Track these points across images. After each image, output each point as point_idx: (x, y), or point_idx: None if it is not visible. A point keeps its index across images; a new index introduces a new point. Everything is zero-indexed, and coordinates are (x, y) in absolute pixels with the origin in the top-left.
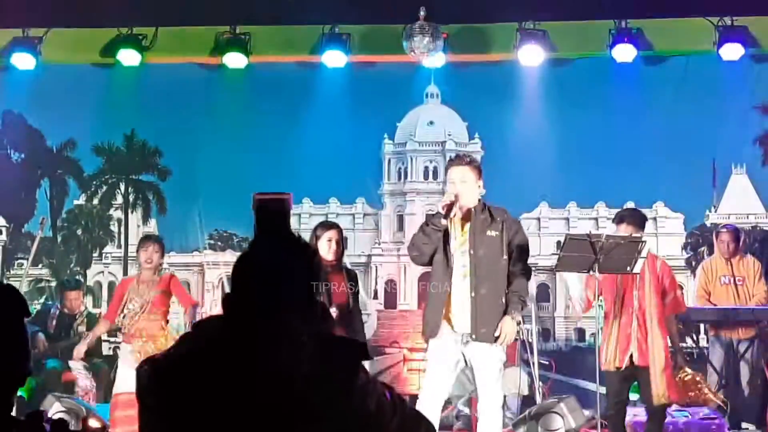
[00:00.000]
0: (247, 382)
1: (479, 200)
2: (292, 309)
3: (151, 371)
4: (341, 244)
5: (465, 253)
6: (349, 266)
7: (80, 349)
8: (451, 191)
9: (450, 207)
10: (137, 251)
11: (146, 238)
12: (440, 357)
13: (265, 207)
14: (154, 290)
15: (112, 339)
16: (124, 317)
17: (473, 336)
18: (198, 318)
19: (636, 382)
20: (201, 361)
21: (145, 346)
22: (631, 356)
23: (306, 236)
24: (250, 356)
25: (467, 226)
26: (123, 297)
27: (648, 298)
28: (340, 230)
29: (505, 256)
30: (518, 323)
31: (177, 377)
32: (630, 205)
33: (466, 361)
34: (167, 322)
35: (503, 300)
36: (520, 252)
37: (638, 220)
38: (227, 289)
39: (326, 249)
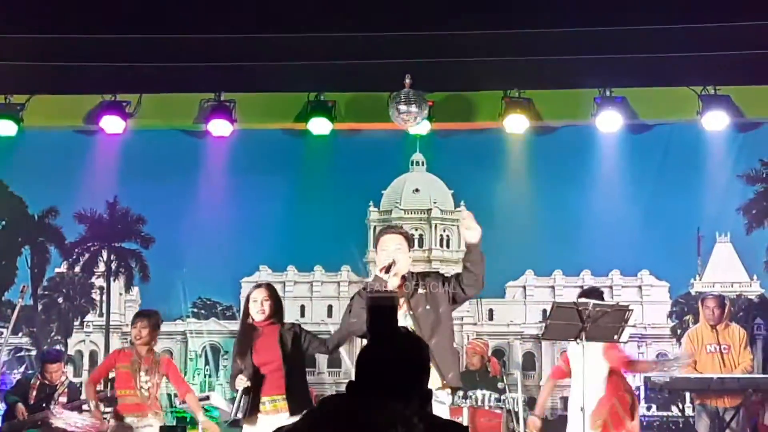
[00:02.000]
0: None
1: (408, 270)
2: (405, 395)
3: None
4: (272, 302)
5: (407, 317)
6: (297, 327)
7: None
8: (384, 256)
9: (388, 268)
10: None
11: (136, 315)
12: None
13: (378, 302)
14: (159, 373)
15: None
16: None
17: (443, 382)
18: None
19: None
20: None
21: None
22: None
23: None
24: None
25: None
26: (112, 368)
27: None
28: (268, 289)
29: (441, 306)
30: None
31: None
32: (616, 272)
33: None
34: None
35: (453, 345)
36: (453, 280)
37: (600, 297)
38: (210, 358)
39: (254, 309)
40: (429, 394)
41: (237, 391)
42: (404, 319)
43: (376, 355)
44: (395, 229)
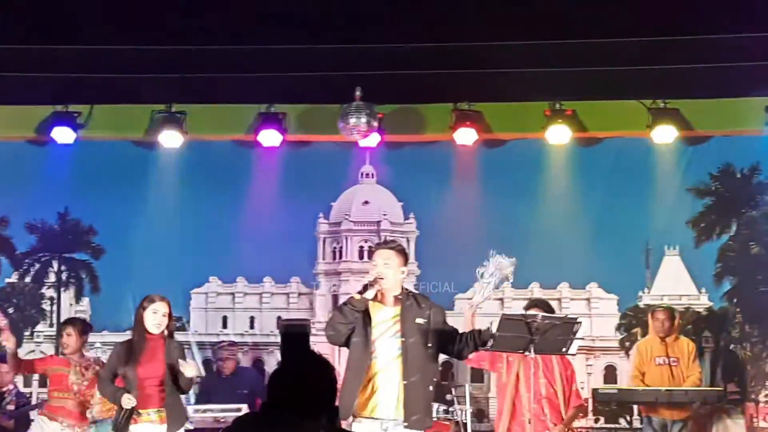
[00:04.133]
0: None
1: (402, 288)
2: (314, 412)
3: None
4: (168, 318)
5: (395, 338)
6: (182, 348)
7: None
8: (373, 272)
9: (367, 287)
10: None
11: (62, 323)
12: None
13: (290, 329)
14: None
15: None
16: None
17: (405, 423)
18: None
19: None
20: None
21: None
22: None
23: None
24: None
25: (394, 311)
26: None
27: (558, 386)
28: (168, 304)
29: (431, 344)
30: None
31: None
32: (564, 285)
33: None
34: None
35: (430, 388)
36: (451, 329)
37: (547, 308)
38: None
39: (151, 321)
40: (336, 410)
41: (122, 408)
42: (391, 340)
43: (287, 377)
44: (386, 244)
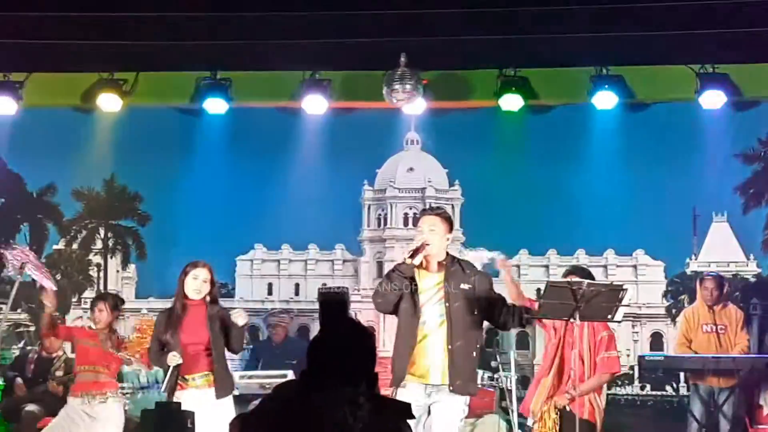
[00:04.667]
0: None
1: (447, 253)
2: (353, 378)
3: (241, 425)
4: (210, 284)
5: (439, 304)
6: (225, 312)
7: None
8: (419, 239)
9: (416, 252)
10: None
11: (95, 298)
12: None
13: (328, 298)
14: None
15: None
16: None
17: (450, 388)
18: None
19: None
20: (280, 416)
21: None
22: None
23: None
24: (320, 414)
25: (439, 277)
26: (73, 335)
27: (586, 356)
28: (209, 269)
29: (476, 312)
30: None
31: (261, 429)
32: (611, 252)
33: (429, 412)
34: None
35: (474, 354)
36: (496, 296)
37: (587, 275)
38: None
39: (191, 286)
40: (375, 377)
41: (168, 367)
42: (436, 306)
43: (326, 345)
44: (432, 210)
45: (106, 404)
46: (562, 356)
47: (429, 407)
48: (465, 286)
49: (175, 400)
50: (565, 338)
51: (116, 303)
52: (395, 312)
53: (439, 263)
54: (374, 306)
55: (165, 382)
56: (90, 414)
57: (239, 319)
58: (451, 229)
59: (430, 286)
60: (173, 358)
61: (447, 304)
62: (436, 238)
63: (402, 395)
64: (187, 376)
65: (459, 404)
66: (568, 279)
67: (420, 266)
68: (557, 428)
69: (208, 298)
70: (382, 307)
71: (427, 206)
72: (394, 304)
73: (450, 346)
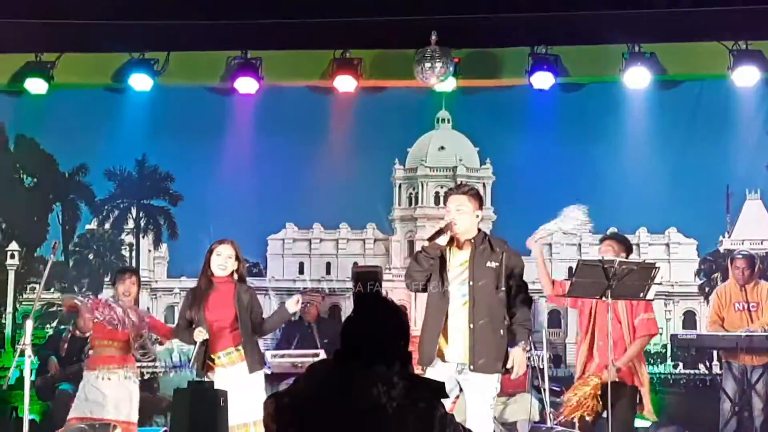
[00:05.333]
0: (350, 413)
1: (479, 230)
2: (387, 358)
3: (276, 403)
4: (235, 260)
5: (464, 283)
6: (252, 291)
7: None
8: (446, 218)
9: (437, 234)
10: (114, 284)
11: (122, 270)
12: None
13: (361, 276)
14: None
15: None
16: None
17: (471, 367)
18: None
19: None
20: (314, 395)
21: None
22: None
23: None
24: (354, 393)
25: (465, 255)
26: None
27: (623, 318)
28: (234, 246)
29: (503, 288)
30: (528, 351)
31: (295, 409)
32: (643, 230)
33: (461, 389)
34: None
35: (501, 332)
36: (521, 283)
37: (622, 241)
38: None
39: (216, 263)
40: (409, 356)
41: (195, 343)
42: (461, 285)
43: (360, 324)
44: (459, 188)
45: (121, 380)
46: (593, 331)
47: (459, 384)
48: (492, 264)
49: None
50: (596, 313)
51: (140, 279)
52: (425, 291)
53: (468, 241)
54: (405, 286)
55: (193, 358)
56: (101, 389)
57: (292, 306)
58: (480, 206)
59: (457, 264)
60: (200, 334)
61: (471, 283)
62: (464, 217)
63: (432, 374)
64: (212, 355)
65: (489, 383)
66: (606, 246)
67: (450, 244)
68: (597, 395)
69: (235, 276)
70: (412, 287)
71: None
72: (423, 284)
73: (472, 325)
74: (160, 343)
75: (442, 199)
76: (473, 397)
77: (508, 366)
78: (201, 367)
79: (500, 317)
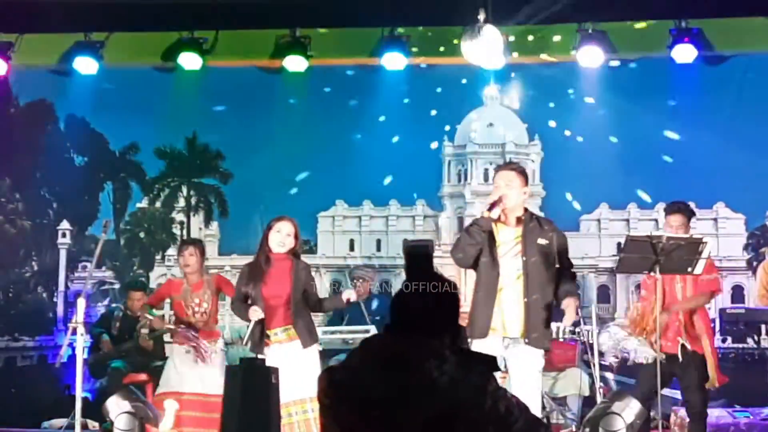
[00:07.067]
0: (403, 387)
1: (525, 209)
2: (438, 332)
3: (329, 378)
4: (294, 237)
5: (517, 258)
6: (309, 269)
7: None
8: (496, 193)
9: (493, 205)
10: (177, 257)
11: (182, 242)
12: None
13: (414, 250)
14: (211, 294)
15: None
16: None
17: (525, 340)
18: None
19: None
20: (367, 370)
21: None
22: (683, 345)
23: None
24: (407, 367)
25: (516, 231)
26: (166, 296)
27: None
28: (293, 223)
29: (551, 267)
30: (576, 324)
31: (348, 383)
32: (691, 205)
33: (505, 365)
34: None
35: (549, 309)
36: (567, 262)
37: (684, 209)
38: None
39: (275, 240)
40: (460, 330)
41: (250, 321)
42: (513, 260)
43: (411, 298)
44: (508, 165)
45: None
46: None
47: (504, 360)
48: (542, 242)
49: (259, 353)
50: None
51: (203, 249)
52: (474, 266)
53: (517, 218)
54: (454, 261)
55: (247, 337)
56: (190, 363)
57: (352, 295)
58: (526, 182)
59: (508, 239)
60: (254, 313)
61: (524, 258)
62: (512, 192)
63: (479, 347)
64: (268, 331)
65: (536, 357)
66: (670, 218)
67: (498, 220)
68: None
69: (290, 254)
70: (462, 261)
71: (504, 161)
72: (473, 258)
73: (526, 299)
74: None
75: (491, 175)
76: (522, 371)
77: (566, 319)
78: (255, 345)
79: (549, 294)
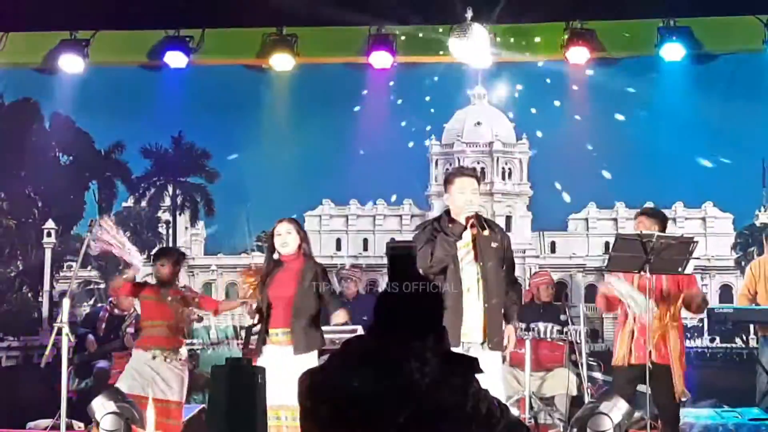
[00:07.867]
0: (384, 389)
1: (475, 212)
2: (420, 333)
3: (309, 380)
4: (295, 235)
5: (472, 264)
6: (320, 268)
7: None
8: (470, 201)
9: (473, 225)
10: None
11: (156, 253)
12: None
13: (395, 252)
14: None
15: None
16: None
17: (489, 345)
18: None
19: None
20: (348, 371)
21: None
22: (649, 353)
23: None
24: (387, 369)
25: (469, 235)
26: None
27: (665, 294)
28: (292, 222)
29: (504, 268)
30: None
31: (329, 386)
32: (679, 204)
33: None
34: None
35: (502, 311)
36: (512, 263)
37: (654, 214)
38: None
39: (278, 243)
40: (443, 330)
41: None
42: (470, 266)
43: (394, 298)
44: (470, 171)
45: (171, 361)
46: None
47: None
48: (494, 245)
49: (255, 354)
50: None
51: (178, 258)
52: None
53: (467, 218)
54: (424, 272)
55: (245, 338)
56: (154, 368)
57: (338, 318)
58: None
59: (462, 245)
60: (250, 316)
61: (481, 264)
62: (477, 199)
63: None
64: (271, 330)
65: (498, 360)
66: (639, 222)
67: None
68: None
69: (299, 253)
70: (436, 269)
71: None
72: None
73: (486, 304)
74: (199, 320)
75: (480, 173)
76: (486, 376)
77: (504, 343)
78: (250, 351)
79: (503, 296)
